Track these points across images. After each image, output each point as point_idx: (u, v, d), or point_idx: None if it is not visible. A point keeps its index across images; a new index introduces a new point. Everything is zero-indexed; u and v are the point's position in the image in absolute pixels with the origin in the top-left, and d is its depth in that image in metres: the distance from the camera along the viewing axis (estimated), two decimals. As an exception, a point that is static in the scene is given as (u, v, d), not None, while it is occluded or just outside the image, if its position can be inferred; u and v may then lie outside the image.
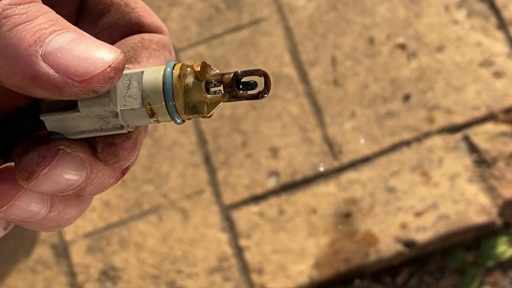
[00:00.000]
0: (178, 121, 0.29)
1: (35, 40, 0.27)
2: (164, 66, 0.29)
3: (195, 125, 1.23)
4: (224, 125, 1.23)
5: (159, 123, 0.30)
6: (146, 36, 0.33)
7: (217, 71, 0.30)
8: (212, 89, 0.30)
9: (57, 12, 0.29)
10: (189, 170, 1.21)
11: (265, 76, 0.29)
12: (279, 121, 1.22)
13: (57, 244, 1.20)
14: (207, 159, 1.21)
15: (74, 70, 0.27)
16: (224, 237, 1.17)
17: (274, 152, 1.20)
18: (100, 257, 1.18)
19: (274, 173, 1.19)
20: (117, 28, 0.34)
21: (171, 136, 1.23)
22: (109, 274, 1.18)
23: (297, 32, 1.27)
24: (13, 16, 0.27)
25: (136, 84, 0.29)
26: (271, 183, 1.19)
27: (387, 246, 1.14)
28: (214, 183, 1.20)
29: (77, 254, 1.19)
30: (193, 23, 1.29)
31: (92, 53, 0.27)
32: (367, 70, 1.23)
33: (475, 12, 1.25)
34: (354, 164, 1.19)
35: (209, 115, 0.30)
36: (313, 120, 1.21)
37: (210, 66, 0.30)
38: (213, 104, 0.30)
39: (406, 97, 1.21)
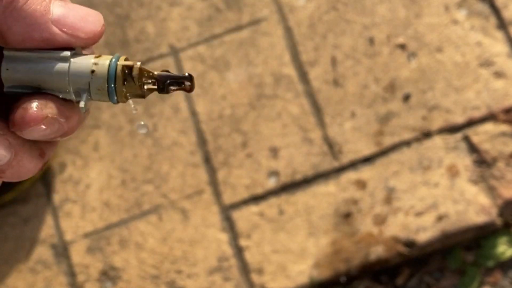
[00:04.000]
0: (113, 101, 0.36)
1: (44, 10, 0.34)
2: (111, 56, 0.36)
3: (195, 125, 1.23)
4: (224, 125, 1.22)
5: (97, 100, 0.37)
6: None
7: (152, 74, 0.37)
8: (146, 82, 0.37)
9: None
10: (189, 170, 1.21)
11: (191, 83, 0.37)
12: (279, 121, 1.22)
13: (57, 244, 1.20)
14: (207, 159, 1.21)
15: (82, 30, 0.35)
16: (224, 237, 1.17)
17: (274, 152, 1.20)
18: (100, 257, 1.18)
19: (274, 173, 1.19)
20: None
21: (171, 136, 1.23)
22: (109, 274, 1.18)
23: (297, 32, 1.27)
24: None
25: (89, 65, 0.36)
26: (271, 183, 1.19)
27: (387, 246, 1.14)
28: (214, 183, 1.20)
29: (77, 254, 1.19)
30: (193, 23, 1.29)
31: (88, 17, 0.36)
32: (367, 70, 1.23)
33: (475, 12, 1.25)
34: (354, 164, 1.19)
35: (145, 98, 0.37)
36: (313, 120, 1.21)
37: (145, 70, 0.37)
38: (147, 92, 0.37)
39: (406, 97, 1.21)
